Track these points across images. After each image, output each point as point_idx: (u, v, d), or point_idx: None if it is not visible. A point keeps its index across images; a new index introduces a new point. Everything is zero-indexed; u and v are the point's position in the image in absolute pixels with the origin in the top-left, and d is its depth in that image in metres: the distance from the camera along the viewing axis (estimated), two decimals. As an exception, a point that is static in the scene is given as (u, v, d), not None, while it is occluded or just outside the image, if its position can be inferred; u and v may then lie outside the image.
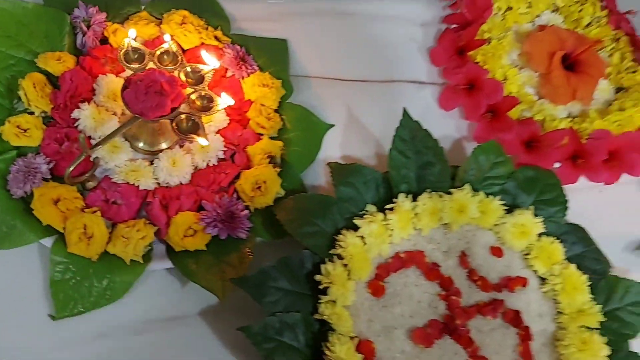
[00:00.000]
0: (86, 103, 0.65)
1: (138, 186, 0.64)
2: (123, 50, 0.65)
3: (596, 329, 0.66)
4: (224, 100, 0.65)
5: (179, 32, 0.71)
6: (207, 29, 0.74)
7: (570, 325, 0.67)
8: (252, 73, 0.72)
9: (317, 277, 0.62)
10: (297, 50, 0.80)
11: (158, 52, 0.67)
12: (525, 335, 0.66)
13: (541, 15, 0.89)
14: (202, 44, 0.72)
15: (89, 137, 0.65)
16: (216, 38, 0.74)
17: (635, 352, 0.68)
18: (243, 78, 0.72)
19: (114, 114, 0.67)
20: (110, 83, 0.67)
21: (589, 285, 0.68)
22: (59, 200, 0.60)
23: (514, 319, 0.67)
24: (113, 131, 0.62)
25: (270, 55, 0.76)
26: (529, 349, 0.66)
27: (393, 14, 0.86)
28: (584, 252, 0.72)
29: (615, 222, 0.80)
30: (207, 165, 0.67)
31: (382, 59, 0.83)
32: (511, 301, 0.68)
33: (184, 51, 0.72)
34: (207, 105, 0.65)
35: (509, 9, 0.87)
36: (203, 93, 0.66)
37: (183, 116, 0.64)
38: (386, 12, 0.86)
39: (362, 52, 0.82)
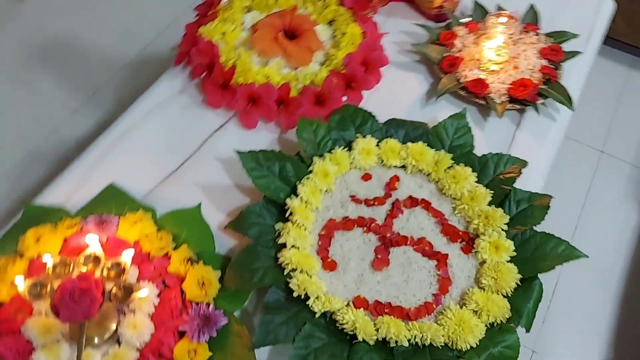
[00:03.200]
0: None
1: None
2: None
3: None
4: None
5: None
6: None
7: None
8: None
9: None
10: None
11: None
12: (434, 211, 0.88)
13: (245, 17, 1.09)
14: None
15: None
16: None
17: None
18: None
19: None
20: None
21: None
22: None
23: (410, 202, 0.88)
24: (79, 349, 0.68)
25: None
26: (438, 212, 0.88)
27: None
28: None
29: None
30: (154, 305, 0.76)
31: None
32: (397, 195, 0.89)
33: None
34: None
35: (224, 34, 1.05)
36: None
37: (114, 290, 0.72)
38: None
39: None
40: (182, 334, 0.75)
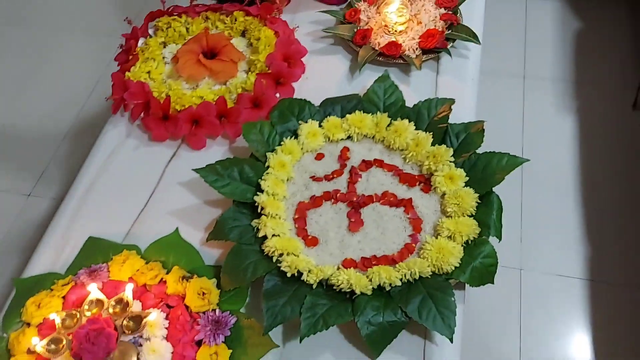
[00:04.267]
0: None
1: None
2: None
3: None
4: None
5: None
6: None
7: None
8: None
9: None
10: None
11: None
12: (387, 166, 0.96)
13: (164, 52, 1.15)
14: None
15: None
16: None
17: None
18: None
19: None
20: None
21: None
22: None
23: (365, 165, 0.96)
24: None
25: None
26: (392, 165, 0.96)
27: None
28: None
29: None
30: (165, 327, 0.81)
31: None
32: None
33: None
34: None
35: (149, 72, 1.11)
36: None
37: (125, 323, 0.77)
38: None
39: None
40: (199, 345, 0.80)
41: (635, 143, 1.69)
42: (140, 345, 0.80)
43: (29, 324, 0.83)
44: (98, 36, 2.13)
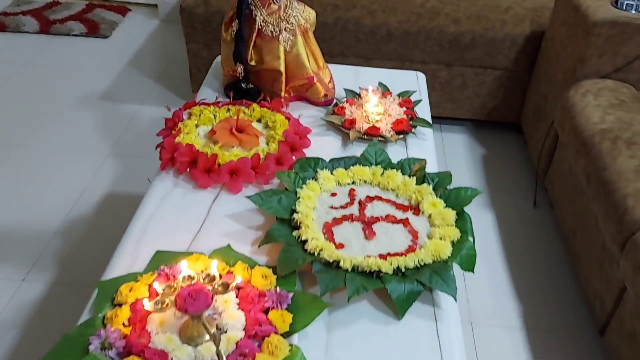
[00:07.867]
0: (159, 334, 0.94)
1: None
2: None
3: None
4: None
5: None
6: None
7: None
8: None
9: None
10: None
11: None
12: (385, 200, 1.30)
13: (198, 130, 1.47)
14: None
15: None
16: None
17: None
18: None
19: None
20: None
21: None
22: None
23: (369, 199, 1.29)
24: (210, 333, 0.92)
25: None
26: (388, 199, 1.30)
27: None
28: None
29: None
30: (237, 303, 1.03)
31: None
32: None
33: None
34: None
35: (187, 133, 1.42)
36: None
37: (216, 287, 0.98)
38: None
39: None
40: (265, 313, 1.02)
41: (538, 232, 2.15)
42: (215, 318, 1.01)
43: (120, 305, 1.02)
44: (83, 154, 2.40)
